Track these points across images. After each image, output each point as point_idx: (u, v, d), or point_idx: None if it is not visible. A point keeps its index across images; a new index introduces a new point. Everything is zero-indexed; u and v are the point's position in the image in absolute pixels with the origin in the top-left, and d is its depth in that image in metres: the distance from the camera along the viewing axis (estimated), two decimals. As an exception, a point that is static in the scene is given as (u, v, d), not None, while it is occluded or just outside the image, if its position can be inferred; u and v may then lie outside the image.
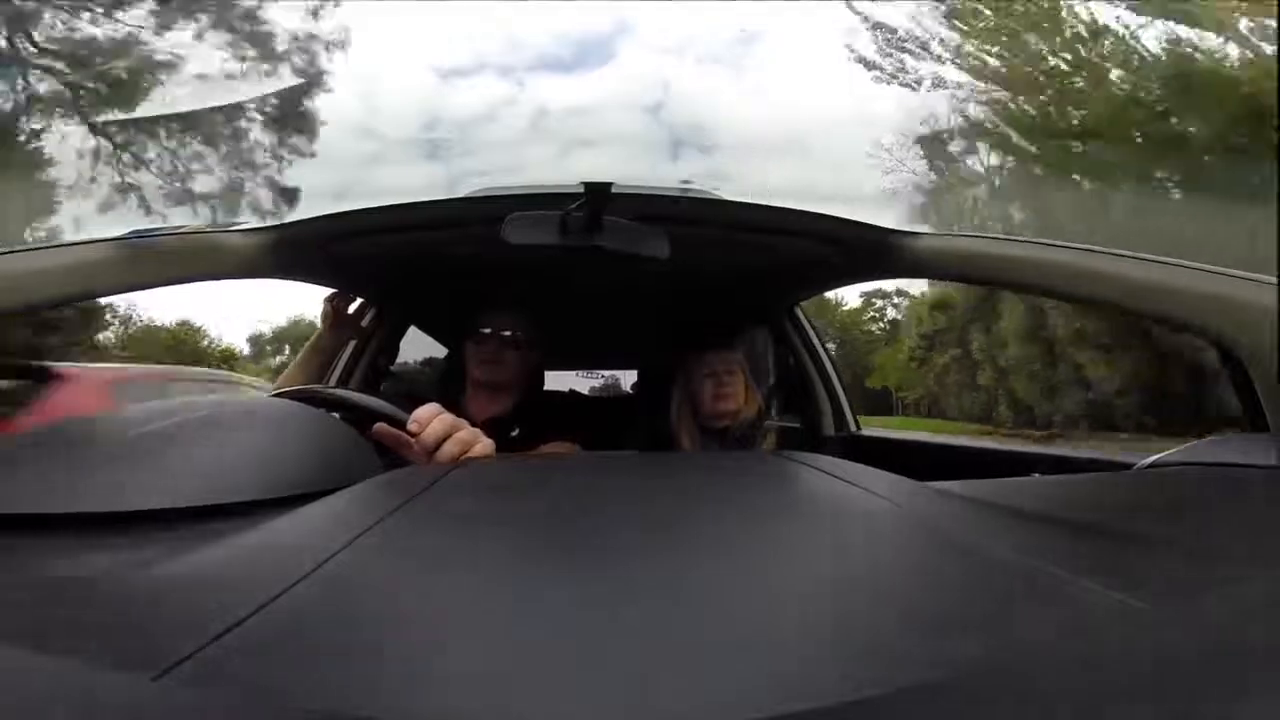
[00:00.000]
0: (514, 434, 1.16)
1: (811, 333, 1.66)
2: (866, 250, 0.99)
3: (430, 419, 0.62)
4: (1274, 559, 0.32)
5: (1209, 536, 0.38)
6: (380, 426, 0.62)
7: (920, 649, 0.21)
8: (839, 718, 0.18)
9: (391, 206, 0.96)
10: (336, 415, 0.61)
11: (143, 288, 0.83)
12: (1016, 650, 0.21)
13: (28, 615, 0.23)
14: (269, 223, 0.93)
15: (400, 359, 1.70)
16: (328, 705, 0.17)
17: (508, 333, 1.23)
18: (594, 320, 1.72)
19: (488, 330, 1.23)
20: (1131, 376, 9.68)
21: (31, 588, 0.27)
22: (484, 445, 0.64)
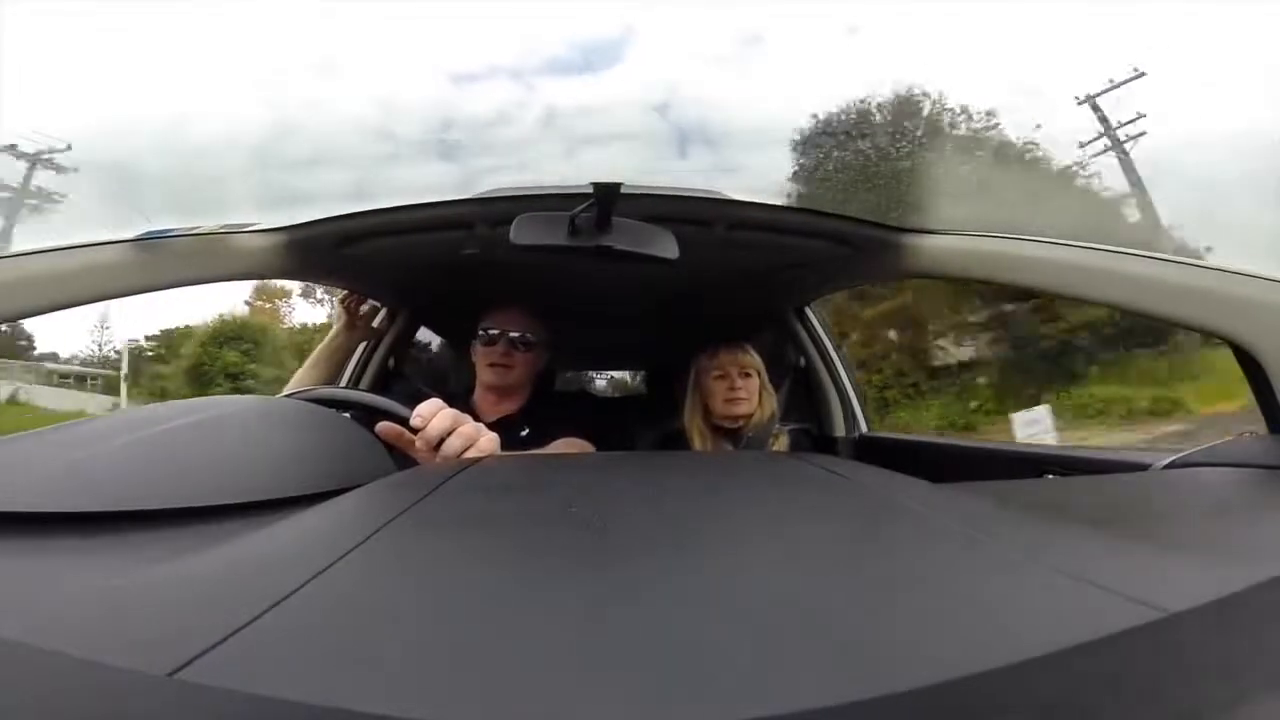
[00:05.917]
0: (524, 433, 1.16)
1: (822, 333, 1.65)
2: (876, 249, 0.99)
3: (433, 414, 0.62)
4: None
5: (1227, 538, 0.38)
6: (383, 424, 0.62)
7: (931, 650, 0.21)
8: (848, 717, 0.18)
9: (403, 208, 0.96)
10: (348, 415, 0.62)
11: (158, 288, 0.84)
12: (1029, 653, 0.20)
13: (40, 613, 0.24)
14: (283, 223, 0.93)
15: (411, 359, 1.71)
16: (339, 703, 0.17)
17: (515, 333, 1.23)
18: (605, 320, 1.73)
19: (495, 331, 1.23)
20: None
21: (44, 586, 0.28)
22: (488, 440, 0.64)
